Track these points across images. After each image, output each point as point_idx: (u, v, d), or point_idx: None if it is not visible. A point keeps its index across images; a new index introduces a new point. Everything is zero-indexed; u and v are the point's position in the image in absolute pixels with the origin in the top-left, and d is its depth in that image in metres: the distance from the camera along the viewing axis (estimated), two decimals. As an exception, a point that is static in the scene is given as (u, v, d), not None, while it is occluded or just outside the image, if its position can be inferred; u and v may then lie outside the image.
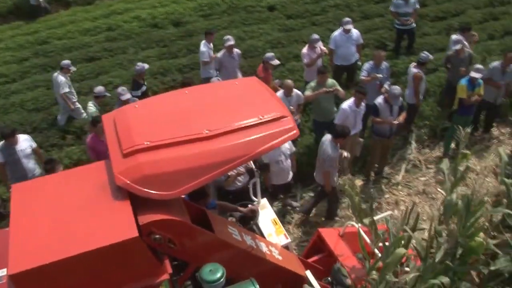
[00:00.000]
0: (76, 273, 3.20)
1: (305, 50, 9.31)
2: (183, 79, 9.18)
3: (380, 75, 8.67)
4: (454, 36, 9.44)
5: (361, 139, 8.27)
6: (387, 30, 12.15)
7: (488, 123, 9.74)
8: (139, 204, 3.49)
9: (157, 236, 3.48)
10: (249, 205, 5.60)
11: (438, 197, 8.27)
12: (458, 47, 8.99)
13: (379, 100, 7.97)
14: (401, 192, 8.62)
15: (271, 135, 3.77)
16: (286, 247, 5.42)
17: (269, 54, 8.95)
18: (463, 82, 8.40)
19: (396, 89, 7.81)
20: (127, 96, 8.09)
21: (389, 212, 6.44)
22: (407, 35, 11.01)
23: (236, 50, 9.68)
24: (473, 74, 8.24)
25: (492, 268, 4.96)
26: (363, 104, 7.91)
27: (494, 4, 13.41)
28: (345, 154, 7.25)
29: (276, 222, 5.75)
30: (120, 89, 8.24)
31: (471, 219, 4.72)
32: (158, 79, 10.72)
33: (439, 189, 8.28)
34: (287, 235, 5.69)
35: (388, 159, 8.99)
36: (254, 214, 5.54)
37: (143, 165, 3.48)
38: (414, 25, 10.82)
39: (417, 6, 10.86)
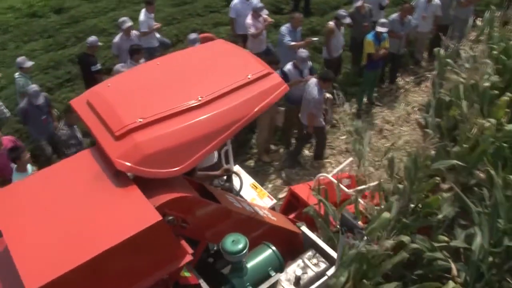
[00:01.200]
0: (102, 273, 2.94)
1: (249, 20, 8.81)
2: None
3: (316, 38, 8.85)
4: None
5: (281, 108, 8.11)
6: (280, -6, 12.05)
7: (393, 74, 10.07)
8: (143, 188, 3.21)
9: (170, 217, 3.27)
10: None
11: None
12: (359, 3, 9.08)
13: (288, 66, 7.81)
14: (325, 154, 8.62)
15: (265, 92, 3.67)
16: (272, 208, 5.39)
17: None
18: (370, 37, 8.54)
19: (303, 52, 7.72)
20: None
21: (350, 159, 6.59)
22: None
23: (134, 32, 8.98)
24: (379, 28, 8.40)
25: (440, 216, 5.09)
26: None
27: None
28: (329, 95, 7.72)
29: (256, 186, 5.69)
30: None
31: (420, 175, 4.76)
32: (50, 73, 9.71)
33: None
34: (271, 196, 5.65)
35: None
36: (228, 173, 5.11)
37: (142, 144, 3.22)
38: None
39: None
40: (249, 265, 3.82)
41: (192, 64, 4.03)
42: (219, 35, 9.84)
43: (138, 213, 3.07)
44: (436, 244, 4.96)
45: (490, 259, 4.85)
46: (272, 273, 3.88)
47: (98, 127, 3.42)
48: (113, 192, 3.21)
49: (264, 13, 8.90)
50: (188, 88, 3.60)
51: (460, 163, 5.33)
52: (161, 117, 3.33)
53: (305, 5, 11.19)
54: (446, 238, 5.16)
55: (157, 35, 9.38)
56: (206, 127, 3.40)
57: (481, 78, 6.11)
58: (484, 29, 7.73)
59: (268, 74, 3.79)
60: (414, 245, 4.76)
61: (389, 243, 4.54)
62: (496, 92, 6.16)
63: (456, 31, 8.94)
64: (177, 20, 11.22)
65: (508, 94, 6.07)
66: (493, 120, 5.55)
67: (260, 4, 9.02)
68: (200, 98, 3.45)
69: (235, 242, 3.51)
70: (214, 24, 10.79)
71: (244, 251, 3.51)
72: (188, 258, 3.36)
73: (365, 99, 9.50)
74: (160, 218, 3.03)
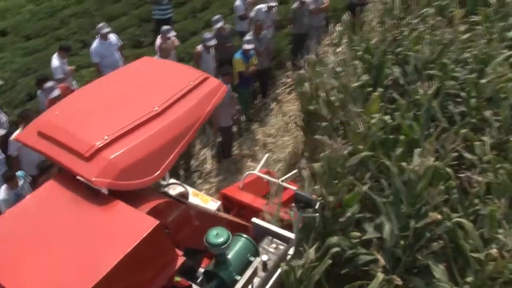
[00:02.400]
0: (123, 279, 3.02)
1: (158, 41, 8.88)
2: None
3: None
4: (215, 17, 9.64)
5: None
6: (136, 27, 11.85)
7: (264, 88, 10.37)
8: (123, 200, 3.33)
9: None
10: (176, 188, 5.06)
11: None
12: (219, 25, 9.23)
13: None
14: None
15: (209, 94, 3.96)
16: (218, 209, 5.58)
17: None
18: (238, 56, 8.72)
19: None
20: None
21: (266, 155, 7.14)
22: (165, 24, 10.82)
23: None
24: (246, 46, 8.60)
25: (349, 214, 5.30)
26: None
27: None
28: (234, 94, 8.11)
29: (197, 193, 5.93)
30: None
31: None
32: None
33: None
34: (214, 199, 5.91)
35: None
36: (186, 195, 5.05)
37: (116, 159, 3.30)
38: (171, 14, 10.74)
39: None
40: (230, 256, 4.01)
41: (134, 80, 4.16)
42: (82, 79, 9.36)
43: (133, 223, 3.19)
44: (353, 241, 5.16)
45: (402, 243, 5.17)
46: (252, 259, 4.14)
47: (61, 154, 3.40)
48: (98, 211, 3.26)
49: (172, 34, 9.01)
50: (140, 101, 3.74)
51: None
52: (125, 131, 3.43)
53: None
54: (358, 234, 5.40)
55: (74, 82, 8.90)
56: (169, 133, 3.59)
57: (352, 79, 6.55)
58: (343, 33, 8.30)
59: (206, 78, 4.09)
60: (336, 249, 4.91)
61: (312, 254, 4.70)
62: (369, 89, 6.66)
63: (312, 38, 9.50)
64: (32, 69, 10.37)
65: (379, 89, 6.60)
66: (377, 115, 5.98)
67: (167, 26, 9.19)
68: (156, 109, 3.61)
69: (218, 235, 3.74)
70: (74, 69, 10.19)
71: (228, 243, 3.74)
72: (181, 260, 3.50)
73: (243, 117, 9.64)
74: (157, 222, 3.15)
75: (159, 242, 3.26)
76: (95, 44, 8.98)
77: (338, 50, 10.21)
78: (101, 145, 3.32)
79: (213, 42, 8.82)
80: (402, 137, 5.84)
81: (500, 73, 6.77)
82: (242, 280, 3.94)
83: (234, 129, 9.16)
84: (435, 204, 4.99)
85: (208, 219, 4.41)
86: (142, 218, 3.20)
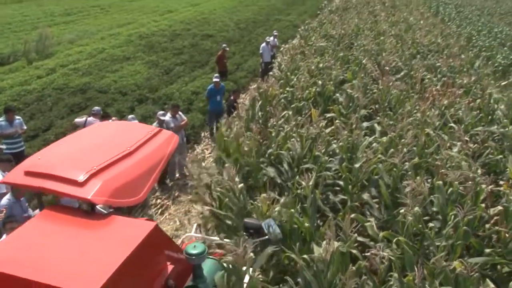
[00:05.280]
0: (131, 275, 3.49)
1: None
2: None
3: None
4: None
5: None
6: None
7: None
8: None
9: None
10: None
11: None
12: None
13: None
14: None
15: (167, 140, 4.74)
16: None
17: None
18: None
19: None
20: None
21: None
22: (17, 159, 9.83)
23: None
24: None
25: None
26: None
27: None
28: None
29: None
30: None
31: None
32: None
33: None
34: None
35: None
36: None
37: (108, 181, 3.84)
38: (23, 147, 9.82)
39: (24, 127, 9.97)
40: (205, 272, 4.48)
41: (101, 133, 4.91)
42: None
43: (134, 227, 3.82)
44: None
45: None
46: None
47: (54, 185, 3.83)
48: (99, 224, 3.76)
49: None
50: (112, 145, 4.34)
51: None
52: (109, 164, 3.99)
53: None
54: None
55: None
56: (144, 165, 4.24)
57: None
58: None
59: (160, 131, 4.85)
60: None
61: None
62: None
63: (176, 156, 9.41)
64: None
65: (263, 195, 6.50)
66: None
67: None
68: (128, 148, 4.25)
69: (196, 247, 4.22)
70: None
71: (205, 253, 4.20)
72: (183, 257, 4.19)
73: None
74: (155, 223, 3.80)
75: (158, 242, 3.87)
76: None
77: (203, 164, 10.19)
78: (92, 172, 3.83)
79: None
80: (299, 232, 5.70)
81: (367, 157, 7.16)
82: None
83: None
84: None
85: None
86: (142, 222, 4.05)
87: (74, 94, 14.60)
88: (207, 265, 4.66)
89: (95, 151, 4.25)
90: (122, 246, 3.48)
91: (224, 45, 17.27)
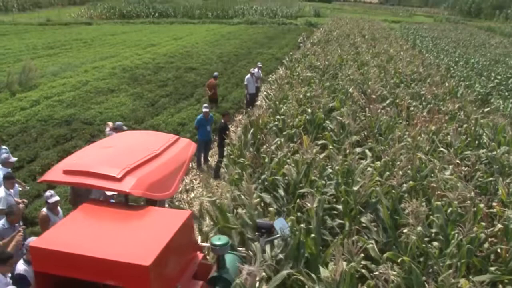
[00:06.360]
0: (173, 254, 3.98)
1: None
2: None
3: None
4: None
5: None
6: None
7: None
8: None
9: None
10: None
11: None
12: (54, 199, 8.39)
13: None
14: None
15: (186, 146, 5.27)
16: None
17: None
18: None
19: None
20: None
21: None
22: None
23: None
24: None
25: None
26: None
27: None
28: None
29: None
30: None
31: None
32: None
33: None
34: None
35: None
36: None
37: (144, 177, 4.32)
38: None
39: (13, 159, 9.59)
40: (227, 263, 4.84)
41: (130, 138, 5.53)
42: None
43: (173, 214, 4.42)
44: None
45: None
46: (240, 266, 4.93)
47: (93, 181, 4.28)
48: (138, 214, 4.25)
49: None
50: (141, 148, 4.80)
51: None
52: (140, 163, 4.45)
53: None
54: None
55: None
56: (171, 165, 4.71)
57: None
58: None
59: (179, 138, 5.44)
60: None
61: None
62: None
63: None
64: None
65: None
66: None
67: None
68: (155, 151, 4.72)
69: (220, 239, 4.66)
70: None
71: (228, 244, 4.65)
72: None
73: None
74: (190, 211, 4.33)
75: (191, 228, 4.43)
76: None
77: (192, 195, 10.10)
78: (128, 169, 4.28)
79: (54, 199, 7.95)
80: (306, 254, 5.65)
81: (364, 180, 7.18)
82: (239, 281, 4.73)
83: None
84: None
85: None
86: (178, 210, 4.60)
87: (59, 126, 14.39)
88: (229, 259, 5.00)
89: (125, 153, 4.72)
90: (165, 228, 3.95)
91: (215, 73, 17.43)
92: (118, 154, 4.74)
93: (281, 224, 5.46)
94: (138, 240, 3.82)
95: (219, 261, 4.73)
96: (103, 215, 4.25)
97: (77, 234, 3.94)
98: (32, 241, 4.25)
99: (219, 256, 4.70)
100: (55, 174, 4.52)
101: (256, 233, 5.60)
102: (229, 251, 4.93)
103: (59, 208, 7.26)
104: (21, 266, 5.59)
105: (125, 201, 4.61)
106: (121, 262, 3.52)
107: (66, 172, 4.42)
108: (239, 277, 4.66)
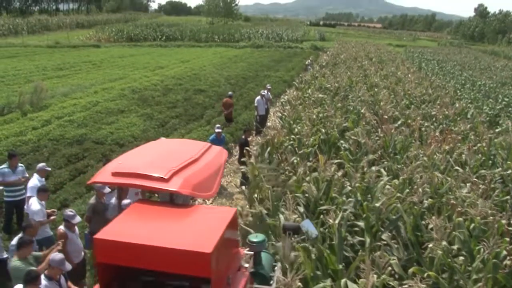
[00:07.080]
0: (225, 246, 4.16)
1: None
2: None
3: None
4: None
5: None
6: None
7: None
8: None
9: None
10: None
11: None
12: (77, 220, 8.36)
13: None
14: None
15: (219, 153, 5.49)
16: None
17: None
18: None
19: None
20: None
21: None
22: (18, 208, 9.50)
23: None
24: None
25: None
26: None
27: None
28: None
29: None
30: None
31: None
32: None
33: None
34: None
35: None
36: None
37: (190, 177, 4.53)
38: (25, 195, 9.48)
39: (26, 174, 9.63)
40: (263, 260, 5.13)
41: (168, 144, 5.89)
42: None
43: (220, 210, 4.80)
44: None
45: None
46: (274, 263, 5.40)
47: (142, 182, 4.47)
48: (188, 211, 4.46)
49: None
50: (181, 153, 5.04)
51: None
52: (183, 166, 4.65)
53: (19, 217, 9.67)
54: None
55: None
56: (209, 168, 4.92)
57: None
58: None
59: (211, 146, 5.60)
60: None
61: None
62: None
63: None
64: None
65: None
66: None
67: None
68: (194, 156, 4.96)
69: (257, 236, 4.96)
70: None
71: (265, 241, 4.96)
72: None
73: None
74: (235, 209, 4.51)
75: (236, 224, 4.59)
76: None
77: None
78: (174, 171, 4.48)
79: (77, 219, 7.93)
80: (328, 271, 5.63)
81: (385, 197, 7.20)
82: (275, 277, 5.04)
83: None
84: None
85: None
86: (225, 208, 4.90)
87: (70, 145, 14.45)
88: (264, 257, 5.23)
89: (167, 157, 4.94)
90: (217, 222, 4.12)
91: (230, 92, 17.61)
92: (161, 158, 4.93)
93: (307, 225, 5.61)
94: (195, 231, 4.01)
95: (255, 258, 4.96)
96: (156, 212, 4.43)
97: (137, 227, 4.14)
98: (96, 234, 4.24)
99: (255, 252, 4.93)
100: (104, 176, 4.70)
101: (283, 234, 5.77)
102: (263, 250, 5.18)
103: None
104: (42, 282, 5.58)
105: (171, 201, 4.75)
106: (184, 250, 3.68)
107: (115, 174, 4.60)
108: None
